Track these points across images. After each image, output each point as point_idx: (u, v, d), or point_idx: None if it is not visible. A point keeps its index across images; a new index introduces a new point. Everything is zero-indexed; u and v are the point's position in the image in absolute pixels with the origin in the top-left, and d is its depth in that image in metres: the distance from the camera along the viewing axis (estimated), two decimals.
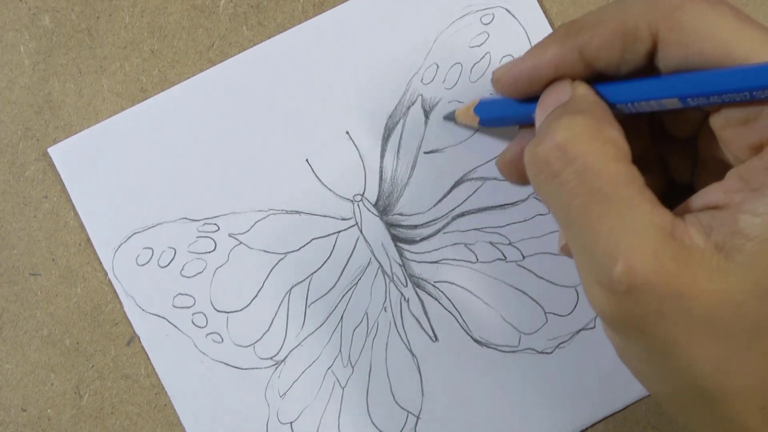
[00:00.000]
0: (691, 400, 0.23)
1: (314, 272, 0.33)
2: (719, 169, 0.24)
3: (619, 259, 0.21)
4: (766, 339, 0.21)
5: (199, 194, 0.33)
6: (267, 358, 0.33)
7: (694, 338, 0.21)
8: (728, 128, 0.23)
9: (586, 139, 0.23)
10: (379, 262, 0.33)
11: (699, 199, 0.23)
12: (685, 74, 0.23)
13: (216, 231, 0.33)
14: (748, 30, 0.22)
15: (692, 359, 0.22)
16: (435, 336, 0.33)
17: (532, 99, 0.27)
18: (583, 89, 0.25)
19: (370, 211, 0.33)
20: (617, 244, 0.22)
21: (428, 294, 0.33)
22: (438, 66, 0.34)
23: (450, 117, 0.33)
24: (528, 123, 0.28)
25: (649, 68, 0.25)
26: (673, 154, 0.29)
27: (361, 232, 0.33)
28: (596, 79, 0.26)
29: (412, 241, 0.34)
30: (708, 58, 0.23)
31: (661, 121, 0.28)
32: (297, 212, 0.33)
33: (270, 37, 0.34)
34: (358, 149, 0.34)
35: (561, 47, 0.25)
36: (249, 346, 0.33)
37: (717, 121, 0.24)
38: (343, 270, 0.33)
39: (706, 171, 0.26)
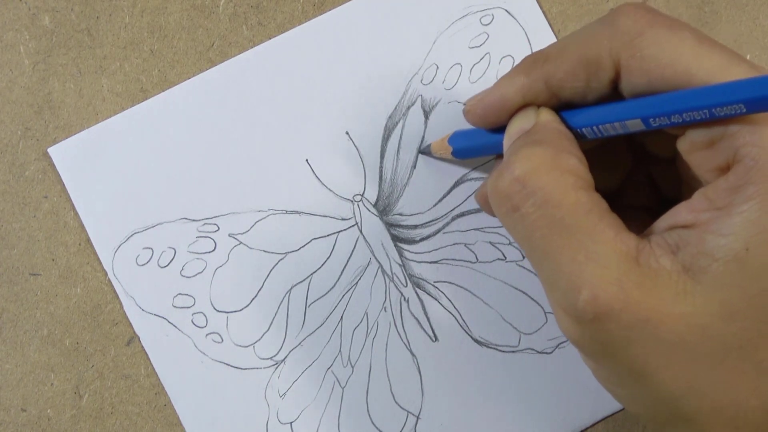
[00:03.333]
0: (666, 421, 0.23)
1: (314, 272, 0.33)
2: (699, 187, 0.24)
3: (583, 288, 0.22)
4: (733, 359, 0.21)
5: (199, 194, 0.33)
6: (267, 358, 0.33)
7: (662, 362, 0.22)
8: (694, 152, 0.23)
9: (544, 170, 0.23)
10: (379, 262, 0.33)
11: (667, 218, 0.23)
12: (647, 97, 0.24)
13: (216, 231, 0.33)
14: (708, 54, 0.22)
15: (662, 382, 0.22)
16: (435, 336, 0.33)
17: (503, 129, 0.27)
18: (546, 115, 0.26)
19: (370, 211, 0.34)
20: (580, 274, 0.22)
21: (428, 294, 0.33)
22: (438, 66, 0.34)
23: (426, 150, 0.33)
24: (501, 152, 0.28)
25: (614, 95, 0.25)
26: (660, 173, 0.29)
27: (361, 232, 0.33)
28: (563, 107, 0.26)
29: (412, 241, 0.34)
30: (670, 83, 0.23)
31: (643, 142, 0.29)
32: (297, 212, 0.33)
33: (270, 37, 0.34)
34: (358, 149, 0.34)
35: (527, 77, 0.26)
36: (249, 346, 0.33)
37: (683, 145, 0.24)
38: (343, 270, 0.33)
39: (689, 188, 0.26)
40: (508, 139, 0.26)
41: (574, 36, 0.25)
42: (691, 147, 0.23)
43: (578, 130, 0.26)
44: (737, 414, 0.22)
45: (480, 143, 0.29)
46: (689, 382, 0.22)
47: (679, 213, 0.23)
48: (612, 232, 0.22)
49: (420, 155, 0.34)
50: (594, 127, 0.25)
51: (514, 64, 0.34)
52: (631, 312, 0.21)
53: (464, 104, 0.28)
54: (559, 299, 0.23)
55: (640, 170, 0.30)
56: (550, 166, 0.23)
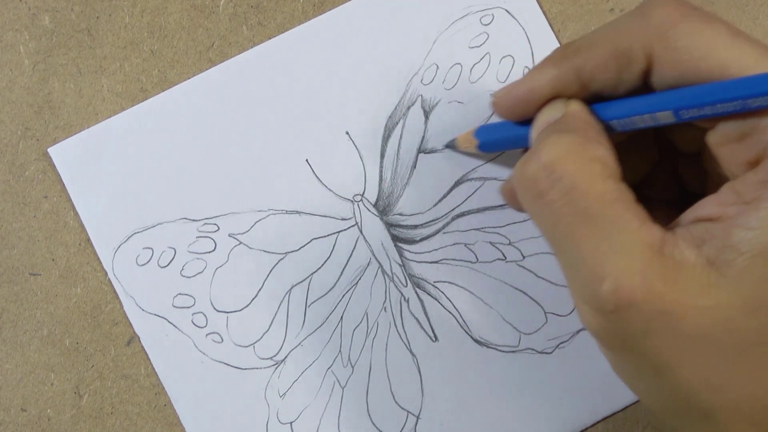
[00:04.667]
0: (684, 415, 0.23)
1: (314, 272, 0.33)
2: (724, 182, 0.24)
3: (606, 278, 0.21)
4: (755, 354, 0.21)
5: (199, 194, 0.33)
6: (267, 358, 0.33)
7: (683, 355, 0.22)
8: (724, 145, 0.23)
9: (572, 157, 0.23)
10: (379, 262, 0.33)
11: (693, 211, 0.23)
12: (679, 89, 0.23)
13: (216, 231, 0.33)
14: (742, 47, 0.22)
15: (682, 376, 0.22)
16: (435, 336, 0.33)
17: (530, 122, 0.27)
18: (575, 106, 0.25)
19: (370, 211, 0.34)
20: (604, 263, 0.22)
21: (428, 294, 0.33)
22: (438, 66, 0.34)
23: (451, 145, 0.33)
24: (527, 146, 0.28)
25: (646, 88, 0.25)
26: (685, 167, 0.29)
27: (361, 232, 0.33)
28: (594, 99, 0.26)
29: (412, 241, 0.34)
30: (703, 75, 0.23)
31: (669, 137, 0.29)
32: (297, 212, 0.33)
33: (270, 37, 0.34)
34: (358, 149, 0.34)
35: (557, 69, 0.26)
36: (249, 346, 0.33)
37: (713, 139, 0.24)
38: (343, 270, 0.33)
39: (715, 183, 0.26)
40: (535, 130, 0.26)
41: (606, 28, 0.25)
42: (722, 140, 0.23)
43: (608, 122, 0.25)
44: (756, 410, 0.22)
45: (506, 136, 0.29)
46: (709, 377, 0.22)
47: (706, 206, 0.23)
48: (637, 223, 0.22)
49: (420, 154, 0.34)
50: (624, 119, 0.25)
51: (515, 65, 0.34)
52: (654, 303, 0.21)
53: (491, 96, 0.28)
54: (580, 289, 0.23)
55: (665, 164, 0.30)
56: (578, 154, 0.23)
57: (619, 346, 0.23)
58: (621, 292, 0.21)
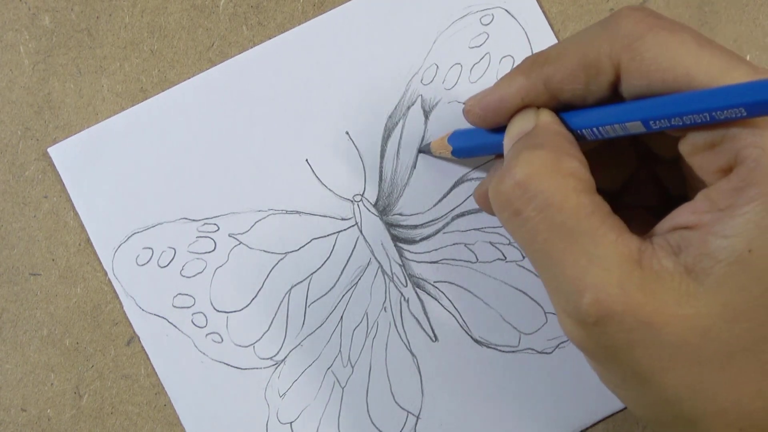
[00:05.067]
0: (671, 423, 0.23)
1: (314, 272, 0.33)
2: (703, 186, 0.24)
3: (586, 292, 0.22)
4: (737, 362, 0.21)
5: (199, 194, 0.33)
6: (267, 358, 0.33)
7: (665, 364, 0.22)
8: (695, 153, 0.23)
9: (545, 174, 0.23)
10: (379, 262, 0.33)
11: (670, 219, 0.23)
12: (648, 99, 0.23)
13: (216, 231, 0.33)
14: (708, 56, 0.22)
15: (666, 385, 0.22)
16: (435, 336, 0.33)
17: (503, 129, 0.27)
18: (546, 117, 0.26)
19: (369, 211, 0.34)
20: (582, 277, 0.22)
21: (428, 294, 0.33)
22: (438, 66, 0.34)
23: (425, 149, 0.33)
24: (501, 152, 0.28)
25: (614, 98, 0.25)
26: (664, 172, 0.29)
27: (361, 232, 0.33)
28: (563, 108, 0.26)
29: (412, 241, 0.34)
30: (671, 85, 0.23)
31: (647, 142, 0.29)
32: (297, 212, 0.33)
33: (270, 37, 0.34)
34: (358, 149, 0.34)
35: (527, 79, 0.26)
36: (249, 346, 0.33)
37: (685, 148, 0.24)
38: (343, 270, 0.33)
39: (693, 187, 0.26)
40: (508, 141, 0.26)
41: (574, 38, 0.25)
42: (693, 149, 0.23)
43: (578, 131, 0.26)
44: (741, 416, 0.22)
45: (480, 143, 0.29)
46: (693, 385, 0.22)
47: (682, 214, 0.23)
48: (614, 235, 0.22)
49: (420, 155, 0.34)
50: (594, 129, 0.25)
51: (515, 64, 0.34)
52: (634, 314, 0.21)
53: (464, 104, 0.28)
54: (562, 302, 0.23)
55: (644, 169, 0.30)
56: (551, 170, 0.23)
57: (603, 357, 0.23)
58: (601, 304, 0.22)
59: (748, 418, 0.22)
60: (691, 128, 0.23)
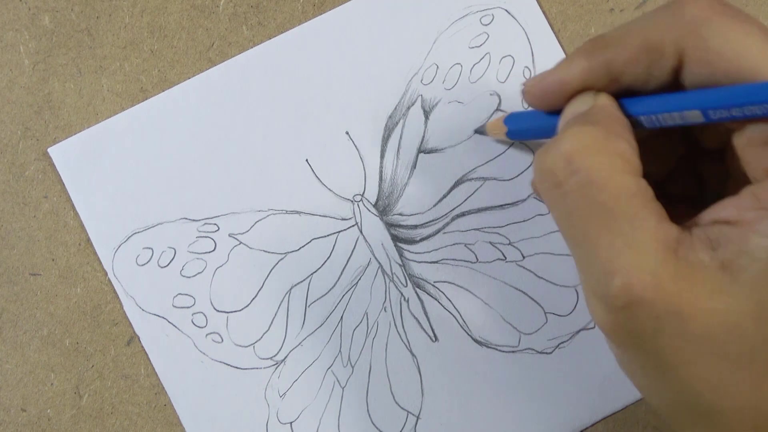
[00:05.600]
0: (687, 415, 0.23)
1: (314, 272, 0.33)
2: (745, 184, 0.24)
3: (617, 275, 0.21)
4: (761, 361, 0.21)
5: (199, 194, 0.33)
6: (267, 358, 0.33)
7: (689, 356, 0.22)
8: (750, 148, 0.23)
9: (592, 150, 0.23)
10: (379, 262, 0.33)
11: (711, 212, 0.23)
12: (710, 89, 0.23)
13: (216, 231, 0.33)
14: None
15: (687, 376, 0.22)
16: (435, 336, 0.33)
17: (560, 112, 0.27)
18: (603, 100, 0.25)
19: (370, 211, 0.34)
20: (616, 259, 0.22)
21: (428, 294, 0.33)
22: (438, 66, 0.34)
23: (481, 130, 0.33)
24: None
25: (676, 85, 0.25)
26: (707, 165, 0.29)
27: (361, 232, 0.33)
28: (624, 94, 0.26)
29: (412, 241, 0.34)
30: (734, 76, 0.22)
31: (695, 132, 0.28)
32: (297, 212, 0.33)
33: (270, 37, 0.34)
34: (358, 149, 0.34)
35: (588, 61, 0.25)
36: (249, 346, 0.33)
37: (739, 140, 0.24)
38: (343, 270, 0.33)
39: (735, 184, 0.26)
40: (563, 121, 0.26)
41: (638, 21, 0.25)
42: (748, 143, 0.23)
43: (636, 117, 0.25)
44: (758, 416, 0.22)
45: (535, 125, 0.29)
46: (714, 379, 0.22)
47: (725, 208, 0.22)
48: (654, 220, 0.22)
49: (420, 155, 0.34)
50: (652, 116, 0.25)
51: (515, 64, 0.34)
52: (663, 303, 0.21)
53: (522, 84, 0.28)
54: (591, 283, 0.23)
55: (687, 161, 0.29)
56: (599, 147, 0.23)
57: (626, 343, 0.23)
58: (631, 288, 0.21)
59: (764, 418, 0.22)
60: (749, 121, 0.23)
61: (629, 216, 0.22)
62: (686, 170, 0.29)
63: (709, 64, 0.23)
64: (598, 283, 0.22)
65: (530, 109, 0.28)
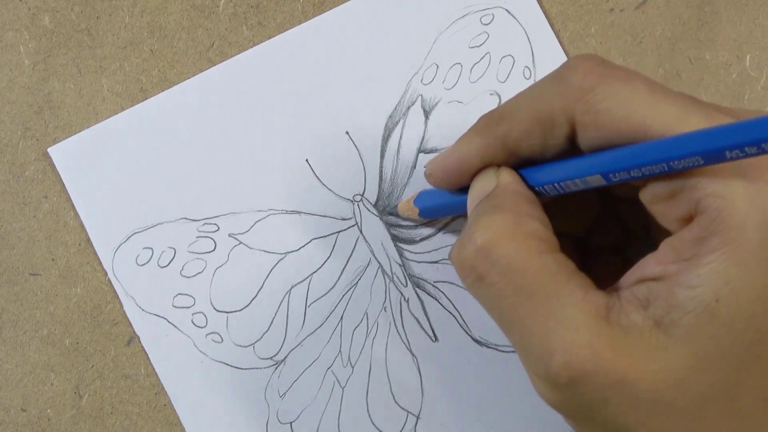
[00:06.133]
0: None
1: (314, 272, 0.33)
2: (665, 230, 0.24)
3: (555, 354, 0.22)
4: (712, 410, 0.21)
5: (199, 194, 0.33)
6: (267, 358, 0.33)
7: (641, 419, 0.22)
8: (656, 203, 0.23)
9: (506, 237, 0.23)
10: (379, 262, 0.33)
11: (635, 271, 0.23)
12: (605, 152, 0.23)
13: (216, 231, 0.33)
14: (662, 105, 0.22)
15: None
16: (435, 336, 0.33)
17: (467, 188, 0.27)
18: (505, 177, 0.25)
19: (370, 211, 0.34)
20: (551, 339, 0.22)
21: (428, 294, 0.33)
22: (438, 66, 0.34)
23: (393, 212, 0.33)
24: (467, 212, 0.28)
25: (574, 150, 0.25)
26: (628, 212, 0.29)
27: (361, 232, 0.33)
28: (524, 164, 0.26)
29: (412, 241, 0.34)
30: (626, 136, 0.23)
31: (609, 186, 0.29)
32: (297, 212, 0.33)
33: (270, 37, 0.34)
34: (358, 149, 0.34)
35: (483, 139, 0.26)
36: (249, 346, 0.33)
37: (645, 197, 0.24)
38: (343, 270, 0.33)
39: (658, 228, 0.26)
40: (471, 202, 0.26)
41: (527, 93, 0.25)
42: (653, 198, 0.23)
43: (539, 188, 0.25)
44: None
45: (446, 203, 0.29)
46: None
47: (647, 265, 0.23)
48: (580, 293, 0.22)
49: (420, 154, 0.34)
50: (555, 184, 0.25)
51: (515, 64, 0.34)
52: (606, 373, 0.21)
53: (425, 167, 0.28)
54: (532, 365, 0.23)
55: (608, 211, 0.30)
56: (512, 233, 0.23)
57: (578, 417, 0.23)
58: (572, 365, 0.21)
59: None
60: (650, 178, 0.23)
61: (555, 294, 0.22)
62: (609, 219, 0.29)
63: (601, 128, 0.23)
64: (539, 364, 0.22)
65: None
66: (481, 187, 0.26)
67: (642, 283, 0.22)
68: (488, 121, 0.26)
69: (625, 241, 0.29)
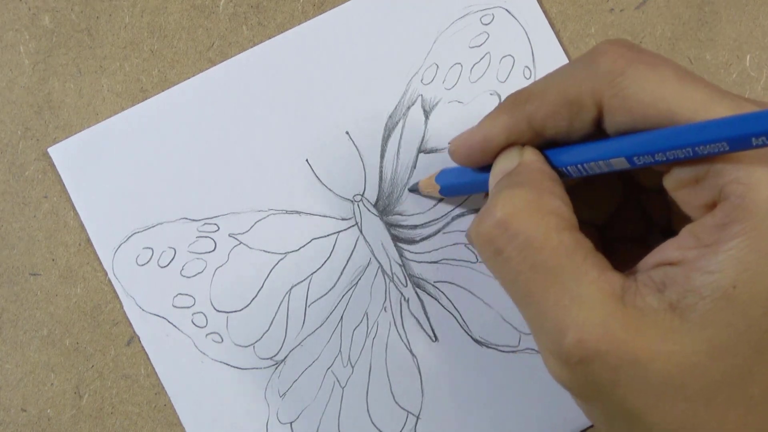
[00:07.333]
0: None
1: (314, 272, 0.33)
2: (688, 219, 0.24)
3: (568, 332, 0.22)
4: (723, 397, 0.21)
5: (199, 194, 0.33)
6: (267, 358, 0.33)
7: (651, 402, 0.22)
8: (680, 189, 0.23)
9: (526, 212, 0.23)
10: (379, 262, 0.33)
11: (654, 256, 0.23)
12: (631, 135, 0.23)
13: (216, 231, 0.33)
14: (690, 91, 0.22)
15: (652, 422, 0.22)
16: (435, 336, 0.33)
17: (490, 167, 0.27)
18: (529, 155, 0.25)
19: (370, 211, 0.34)
20: (565, 316, 0.22)
21: (428, 294, 0.33)
22: (438, 66, 0.34)
23: (414, 188, 0.33)
24: (488, 191, 0.28)
25: (599, 134, 0.25)
26: (650, 203, 0.29)
27: (361, 232, 0.33)
28: (549, 145, 0.26)
29: (412, 241, 0.34)
30: (653, 121, 0.23)
31: (632, 174, 0.29)
32: (297, 212, 0.33)
33: (270, 37, 0.34)
34: (358, 149, 0.34)
35: (510, 117, 0.26)
36: (249, 346, 0.33)
37: (669, 183, 0.24)
38: (343, 270, 0.33)
39: (680, 219, 0.26)
40: (493, 179, 0.26)
41: (556, 75, 0.25)
42: (677, 184, 0.23)
43: (563, 168, 0.25)
44: None
45: (467, 181, 0.29)
46: (679, 421, 0.22)
47: (666, 250, 0.23)
48: (596, 273, 0.22)
49: (420, 155, 0.34)
50: (578, 166, 0.25)
51: (515, 64, 0.34)
52: (618, 353, 0.21)
53: (449, 144, 0.28)
54: (545, 342, 0.23)
55: (631, 200, 0.30)
56: (532, 208, 0.23)
57: (588, 396, 0.23)
58: (584, 344, 0.21)
59: None
60: (675, 163, 0.23)
61: (571, 272, 0.22)
62: (632, 211, 0.29)
63: (628, 112, 0.23)
64: (551, 341, 0.22)
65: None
66: (504, 164, 0.26)
67: (659, 267, 0.22)
68: (515, 100, 0.26)
69: (645, 233, 0.29)
